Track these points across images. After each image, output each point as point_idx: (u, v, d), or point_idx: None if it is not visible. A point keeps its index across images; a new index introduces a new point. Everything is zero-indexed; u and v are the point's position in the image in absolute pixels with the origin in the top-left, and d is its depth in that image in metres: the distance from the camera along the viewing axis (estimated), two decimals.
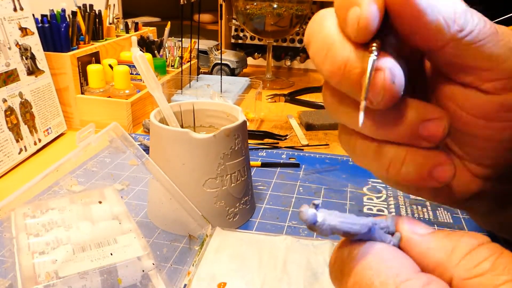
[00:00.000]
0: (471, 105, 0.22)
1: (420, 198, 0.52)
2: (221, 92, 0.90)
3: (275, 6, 1.05)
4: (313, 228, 0.18)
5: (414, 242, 0.20)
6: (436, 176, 0.22)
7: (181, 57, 1.00)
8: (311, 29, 0.22)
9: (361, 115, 0.19)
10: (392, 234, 0.21)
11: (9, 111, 0.64)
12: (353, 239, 0.20)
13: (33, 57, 0.70)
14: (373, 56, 0.19)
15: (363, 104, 0.19)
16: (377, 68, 0.19)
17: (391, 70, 0.19)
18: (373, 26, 0.19)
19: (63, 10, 0.80)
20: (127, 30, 1.03)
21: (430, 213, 0.52)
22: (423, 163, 0.22)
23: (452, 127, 0.23)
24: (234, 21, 1.34)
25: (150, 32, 1.07)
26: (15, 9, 0.68)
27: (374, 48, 0.19)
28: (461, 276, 0.17)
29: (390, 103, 0.20)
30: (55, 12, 0.79)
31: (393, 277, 0.18)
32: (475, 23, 0.20)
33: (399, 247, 0.20)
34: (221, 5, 1.25)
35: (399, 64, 0.20)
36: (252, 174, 0.60)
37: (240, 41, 1.39)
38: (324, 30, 0.21)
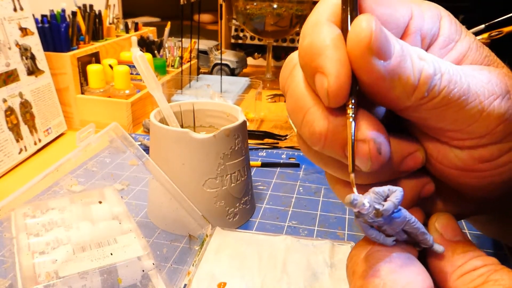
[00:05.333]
0: (444, 158, 0.21)
1: None
2: (221, 92, 0.90)
3: (275, 6, 1.05)
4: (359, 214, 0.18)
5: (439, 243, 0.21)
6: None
7: (181, 57, 1.00)
8: (284, 79, 0.21)
9: (355, 190, 0.19)
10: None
11: (9, 111, 0.64)
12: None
13: (33, 57, 0.70)
14: (351, 123, 0.18)
15: (352, 177, 0.19)
16: (361, 139, 0.19)
17: (376, 140, 0.19)
18: (344, 94, 0.18)
19: (63, 10, 0.80)
20: (127, 30, 1.03)
21: None
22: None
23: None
24: (234, 21, 1.34)
25: (150, 32, 1.07)
26: (15, 9, 0.68)
27: (350, 114, 0.18)
28: None
29: (377, 169, 0.20)
30: (55, 12, 0.79)
31: None
32: (441, 87, 0.18)
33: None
34: (221, 5, 1.25)
35: (378, 119, 0.19)
36: (252, 174, 0.60)
37: (240, 41, 1.39)
38: (296, 87, 0.20)
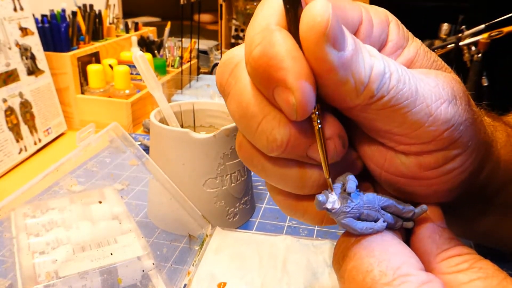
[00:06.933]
0: (391, 166, 0.21)
1: None
2: None
3: None
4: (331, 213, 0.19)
5: (425, 226, 0.21)
6: None
7: (181, 57, 1.00)
8: (224, 79, 0.20)
9: (333, 194, 0.19)
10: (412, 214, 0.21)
11: (9, 111, 0.64)
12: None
13: (33, 57, 0.70)
14: (319, 130, 0.19)
15: (329, 181, 0.19)
16: (327, 138, 0.19)
17: (339, 135, 0.20)
18: (311, 107, 0.17)
19: (63, 10, 0.80)
20: (127, 30, 1.03)
21: None
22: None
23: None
24: (234, 21, 1.34)
25: (150, 32, 1.07)
26: (15, 9, 0.68)
27: (318, 121, 0.19)
28: (442, 270, 0.19)
29: (338, 160, 0.20)
30: (55, 12, 0.79)
31: (394, 268, 0.18)
32: (390, 87, 0.18)
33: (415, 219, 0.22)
34: (221, 5, 1.25)
35: (337, 118, 0.20)
36: (252, 174, 0.60)
37: (240, 41, 1.39)
38: (244, 92, 0.19)
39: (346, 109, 0.19)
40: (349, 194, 0.19)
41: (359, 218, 0.19)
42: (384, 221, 0.20)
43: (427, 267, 0.20)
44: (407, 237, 0.22)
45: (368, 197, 0.20)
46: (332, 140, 0.19)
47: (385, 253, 0.19)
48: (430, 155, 0.20)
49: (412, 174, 0.21)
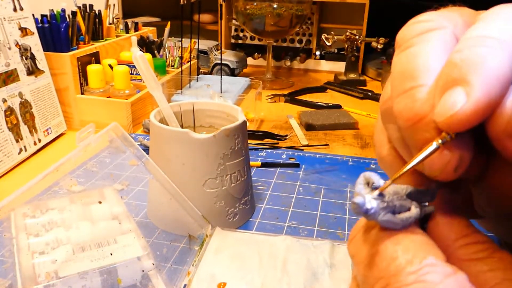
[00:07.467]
0: None
1: None
2: (221, 92, 0.90)
3: (275, 6, 1.05)
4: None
5: (443, 211, 0.21)
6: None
7: (181, 57, 1.00)
8: (409, 34, 0.20)
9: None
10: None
11: (9, 111, 0.64)
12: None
13: (33, 57, 0.70)
14: (435, 144, 0.18)
15: (388, 183, 0.19)
16: (451, 148, 0.18)
17: (461, 158, 0.18)
18: (471, 125, 0.17)
19: (63, 10, 0.80)
20: (127, 30, 1.03)
21: None
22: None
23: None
24: (234, 21, 1.34)
25: (150, 32, 1.07)
26: (15, 9, 0.68)
27: (441, 142, 0.18)
28: (459, 256, 0.19)
29: (440, 181, 0.19)
30: (55, 12, 0.79)
31: (420, 258, 0.18)
32: None
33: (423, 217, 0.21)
34: (221, 5, 1.25)
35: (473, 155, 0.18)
36: (252, 174, 0.60)
37: (240, 41, 1.39)
38: (421, 53, 0.19)
39: None
40: (376, 189, 0.18)
41: (394, 212, 0.19)
42: (416, 207, 0.19)
43: (445, 253, 0.19)
44: (423, 223, 0.21)
45: (392, 188, 0.19)
46: (453, 154, 0.18)
47: (411, 241, 0.18)
48: None
49: None
